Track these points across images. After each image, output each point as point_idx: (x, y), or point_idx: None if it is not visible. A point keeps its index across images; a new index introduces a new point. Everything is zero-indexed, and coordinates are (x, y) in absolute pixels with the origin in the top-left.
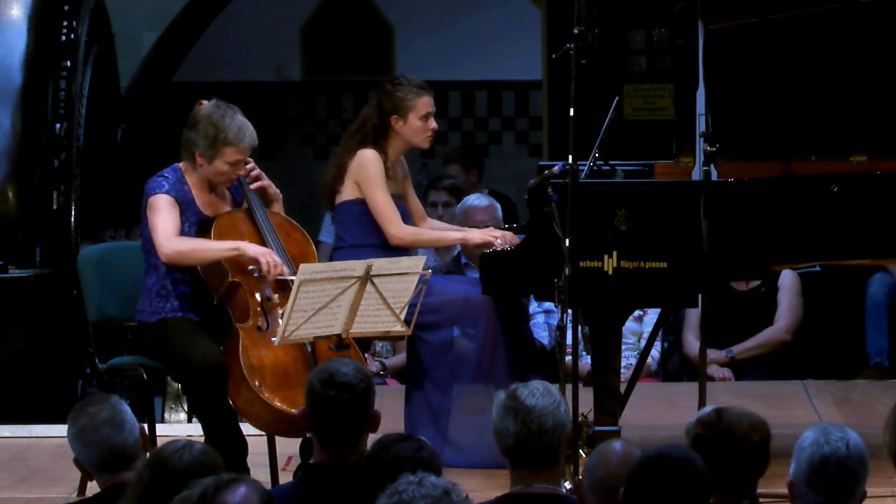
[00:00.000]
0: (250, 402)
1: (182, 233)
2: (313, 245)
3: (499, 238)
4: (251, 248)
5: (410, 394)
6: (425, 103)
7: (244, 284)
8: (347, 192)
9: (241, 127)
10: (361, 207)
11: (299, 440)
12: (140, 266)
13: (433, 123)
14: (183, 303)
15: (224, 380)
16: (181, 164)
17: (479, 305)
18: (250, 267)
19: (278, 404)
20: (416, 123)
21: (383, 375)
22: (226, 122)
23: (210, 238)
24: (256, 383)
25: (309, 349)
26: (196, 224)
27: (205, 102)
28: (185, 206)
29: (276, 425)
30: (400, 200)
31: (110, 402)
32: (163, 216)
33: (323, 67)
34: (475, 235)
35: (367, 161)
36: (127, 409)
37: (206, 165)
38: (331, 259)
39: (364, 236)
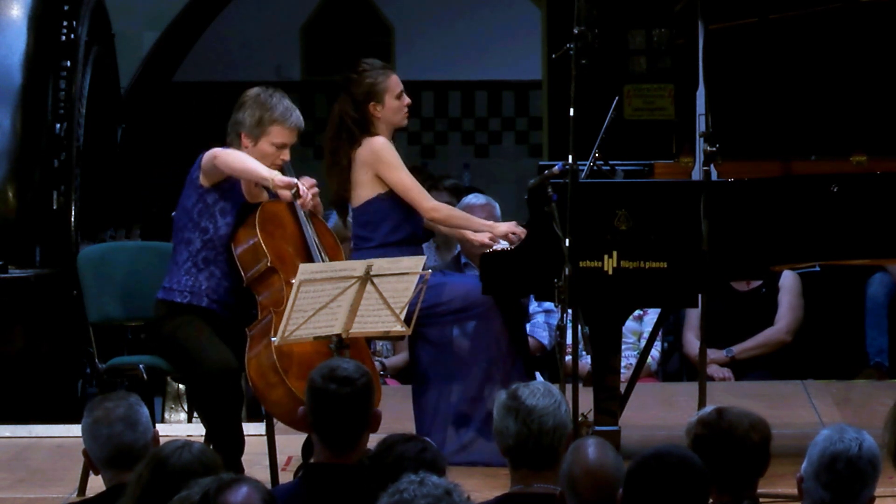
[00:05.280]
0: (273, 386)
1: (225, 213)
2: (342, 250)
3: (518, 235)
4: (279, 178)
5: (418, 395)
6: (395, 81)
7: (281, 272)
8: (369, 190)
9: (289, 107)
10: (391, 201)
11: (300, 442)
12: (140, 266)
13: (407, 99)
14: (210, 283)
15: (235, 383)
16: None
17: (481, 304)
18: (290, 192)
19: (299, 394)
20: (394, 104)
21: (383, 375)
22: (273, 102)
23: (255, 225)
24: (284, 370)
25: (334, 346)
26: (239, 206)
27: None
28: (229, 186)
29: (291, 414)
30: None
31: (128, 400)
32: (224, 150)
33: (323, 67)
34: (501, 228)
35: (381, 147)
36: (144, 410)
37: (252, 147)
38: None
39: (393, 233)
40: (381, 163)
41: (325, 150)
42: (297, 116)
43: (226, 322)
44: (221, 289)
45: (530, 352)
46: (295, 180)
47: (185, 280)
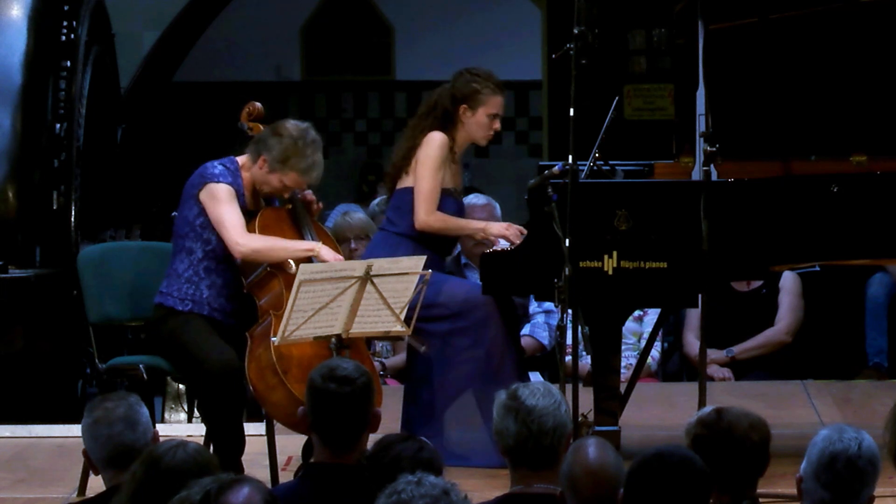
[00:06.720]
0: (273, 388)
1: None
2: (342, 255)
3: (514, 235)
4: (325, 251)
5: (410, 393)
6: (497, 103)
7: (280, 275)
8: (414, 178)
9: (316, 164)
10: None
11: (300, 442)
12: (140, 266)
13: (498, 124)
14: (212, 292)
15: (238, 383)
16: (240, 159)
17: (481, 305)
18: None
19: (299, 396)
20: (483, 119)
21: (383, 375)
22: (306, 152)
23: (255, 230)
24: (283, 371)
25: (334, 346)
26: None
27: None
28: (237, 197)
29: (291, 417)
30: (458, 195)
31: (128, 400)
32: (229, 209)
33: (323, 67)
34: (495, 228)
35: (433, 142)
36: (144, 410)
37: (265, 172)
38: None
39: (413, 229)
40: (423, 154)
41: (408, 123)
42: (317, 175)
43: (227, 328)
44: (222, 297)
45: (527, 353)
46: (335, 259)
47: (185, 288)
